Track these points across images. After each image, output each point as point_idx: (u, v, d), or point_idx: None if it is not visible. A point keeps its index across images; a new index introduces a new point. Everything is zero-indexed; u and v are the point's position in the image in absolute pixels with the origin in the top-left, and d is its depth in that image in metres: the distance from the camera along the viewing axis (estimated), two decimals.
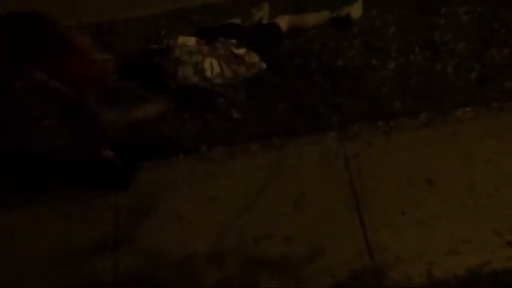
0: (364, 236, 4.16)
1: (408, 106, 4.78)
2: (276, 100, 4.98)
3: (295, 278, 4.05)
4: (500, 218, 4.10)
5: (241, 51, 5.13)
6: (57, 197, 4.70)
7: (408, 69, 5.00)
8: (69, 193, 4.70)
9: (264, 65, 5.14)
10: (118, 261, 4.33)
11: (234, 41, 5.17)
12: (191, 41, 5.12)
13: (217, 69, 5.06)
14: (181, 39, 5.12)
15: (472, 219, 4.12)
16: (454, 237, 4.05)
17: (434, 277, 3.91)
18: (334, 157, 4.59)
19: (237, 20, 5.51)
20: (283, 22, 5.37)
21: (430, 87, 4.86)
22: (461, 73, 4.91)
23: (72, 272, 4.32)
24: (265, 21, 5.48)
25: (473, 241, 4.01)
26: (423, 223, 4.15)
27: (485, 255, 3.95)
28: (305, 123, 4.83)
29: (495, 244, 4.00)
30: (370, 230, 4.18)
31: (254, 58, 5.13)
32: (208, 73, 5.05)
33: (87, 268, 4.34)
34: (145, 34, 5.66)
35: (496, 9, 5.27)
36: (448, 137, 4.58)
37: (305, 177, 4.52)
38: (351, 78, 5.01)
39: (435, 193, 4.29)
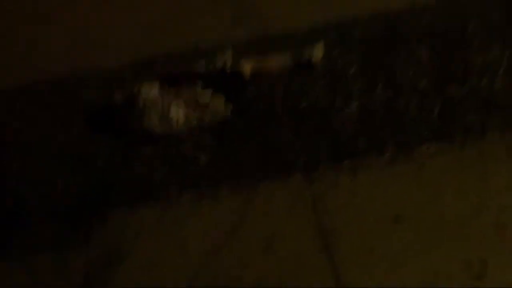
0: (334, 276, 4.15)
1: (373, 144, 4.81)
2: (243, 143, 4.99)
3: None
4: (470, 249, 4.12)
5: (205, 98, 5.17)
6: (20, 251, 4.61)
7: (371, 107, 5.04)
8: (34, 246, 4.64)
9: (228, 113, 5.18)
10: None
11: (198, 88, 5.21)
12: (155, 88, 5.16)
13: (182, 117, 5.09)
14: (145, 87, 5.16)
15: (442, 252, 4.13)
16: (424, 272, 4.06)
17: None
18: (301, 198, 4.60)
19: (200, 67, 5.55)
20: (246, 68, 5.42)
21: (393, 124, 4.90)
22: (424, 109, 4.97)
23: None
24: (228, 66, 5.53)
25: (444, 274, 4.02)
26: (392, 259, 4.15)
27: None
28: (272, 165, 4.83)
29: (465, 277, 4.00)
30: (340, 270, 4.17)
31: (219, 105, 5.17)
32: (174, 122, 5.07)
33: None
34: (110, 85, 5.65)
35: (453, 48, 5.35)
36: (414, 172, 4.61)
37: (273, 219, 4.52)
38: (316, 119, 5.04)
39: (403, 229, 4.30)
